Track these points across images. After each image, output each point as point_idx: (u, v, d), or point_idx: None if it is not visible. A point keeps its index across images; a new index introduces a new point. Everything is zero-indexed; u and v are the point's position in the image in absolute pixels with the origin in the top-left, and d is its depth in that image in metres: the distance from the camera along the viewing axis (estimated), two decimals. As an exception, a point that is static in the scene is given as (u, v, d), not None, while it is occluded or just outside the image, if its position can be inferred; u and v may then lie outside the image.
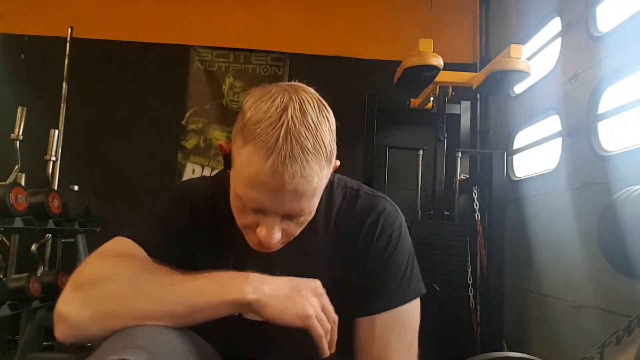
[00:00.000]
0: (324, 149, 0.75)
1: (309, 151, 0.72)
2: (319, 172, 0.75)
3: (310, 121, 0.74)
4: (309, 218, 0.82)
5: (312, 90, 0.82)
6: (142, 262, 0.80)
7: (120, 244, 0.85)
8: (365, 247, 0.90)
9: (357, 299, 0.90)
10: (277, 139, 0.71)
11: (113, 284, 0.74)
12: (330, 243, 0.92)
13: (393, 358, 0.88)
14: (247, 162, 0.73)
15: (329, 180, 0.93)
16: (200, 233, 0.91)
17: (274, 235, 0.77)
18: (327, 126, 0.77)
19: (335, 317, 0.76)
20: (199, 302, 0.72)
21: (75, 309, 0.73)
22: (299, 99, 0.75)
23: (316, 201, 0.80)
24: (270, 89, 0.78)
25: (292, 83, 0.83)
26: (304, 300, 0.73)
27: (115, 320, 0.72)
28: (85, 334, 0.73)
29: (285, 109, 0.73)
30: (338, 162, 0.84)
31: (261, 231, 0.78)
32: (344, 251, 0.91)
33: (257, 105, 0.75)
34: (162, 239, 0.87)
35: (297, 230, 0.82)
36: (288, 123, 0.72)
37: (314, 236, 0.91)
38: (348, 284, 0.90)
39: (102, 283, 0.74)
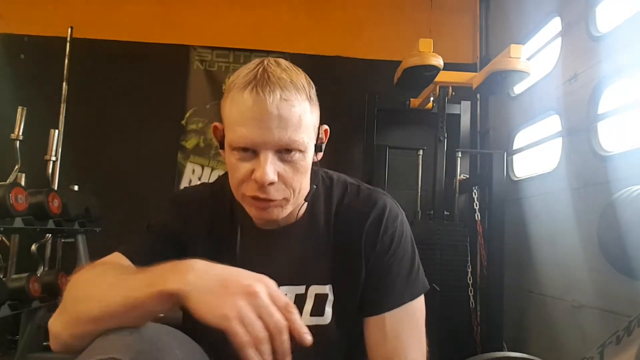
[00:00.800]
0: (300, 84, 0.80)
1: (285, 81, 0.78)
2: (301, 101, 0.79)
3: (285, 66, 0.82)
4: (303, 161, 0.82)
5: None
6: (114, 267, 0.81)
7: (110, 257, 0.87)
8: (369, 243, 0.90)
9: (363, 297, 0.90)
10: (255, 75, 0.78)
11: (78, 291, 0.76)
12: (332, 239, 0.92)
13: (407, 354, 0.89)
14: (231, 104, 0.80)
15: (328, 176, 0.98)
16: (197, 239, 0.91)
17: (267, 169, 0.77)
18: (302, 75, 0.83)
19: (283, 324, 0.63)
20: (130, 299, 0.68)
21: (54, 319, 0.77)
22: (274, 59, 0.84)
23: (305, 138, 0.80)
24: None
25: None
26: (226, 298, 0.63)
27: (76, 325, 0.73)
28: (62, 343, 0.77)
29: (261, 62, 0.82)
30: (326, 127, 0.90)
31: (256, 173, 0.78)
32: (347, 248, 0.91)
33: (236, 71, 0.84)
34: (148, 247, 0.88)
35: (294, 178, 0.82)
36: (264, 66, 0.80)
37: (315, 231, 0.92)
38: (352, 282, 0.90)
39: (71, 291, 0.77)
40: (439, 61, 2.57)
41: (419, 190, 2.91)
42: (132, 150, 3.38)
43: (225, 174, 0.90)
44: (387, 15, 3.60)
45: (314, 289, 0.91)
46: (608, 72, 2.12)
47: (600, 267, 1.94)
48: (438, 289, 2.58)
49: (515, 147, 3.08)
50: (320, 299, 0.91)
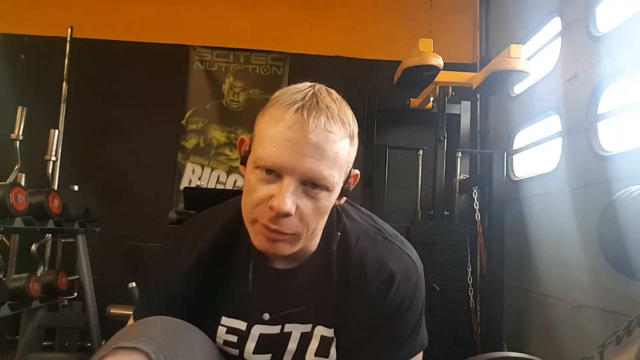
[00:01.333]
0: (347, 120, 0.76)
1: (333, 111, 0.74)
2: (342, 136, 0.75)
3: (335, 97, 0.78)
4: (326, 201, 0.77)
5: None
6: None
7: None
8: (377, 302, 0.86)
9: (363, 347, 0.87)
10: (304, 96, 0.74)
11: None
12: (342, 286, 0.88)
13: None
14: (269, 119, 0.75)
15: (347, 215, 0.91)
16: (205, 282, 0.88)
17: (287, 197, 0.72)
18: (350, 111, 0.79)
19: None
20: None
21: None
22: (327, 87, 0.80)
23: (336, 177, 0.75)
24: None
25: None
26: None
27: None
28: None
29: (312, 86, 0.78)
30: (357, 172, 0.84)
31: (274, 200, 0.72)
32: (355, 299, 0.87)
33: (283, 89, 0.80)
34: (156, 311, 0.84)
35: (312, 216, 0.76)
36: (314, 90, 0.76)
37: (326, 275, 0.88)
38: (356, 331, 0.88)
39: None
40: (439, 61, 2.57)
41: (419, 190, 2.92)
42: (132, 150, 3.38)
43: (240, 198, 0.83)
44: (387, 15, 3.60)
45: (320, 330, 0.89)
46: (608, 72, 2.12)
47: (600, 267, 1.94)
48: (438, 289, 2.58)
49: (515, 147, 3.08)
50: (325, 341, 0.89)
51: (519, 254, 2.79)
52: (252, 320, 0.88)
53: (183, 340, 0.77)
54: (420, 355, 0.90)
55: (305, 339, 0.89)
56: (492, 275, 2.67)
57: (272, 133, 0.73)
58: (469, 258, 2.71)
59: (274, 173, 0.74)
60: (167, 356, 0.71)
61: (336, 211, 0.90)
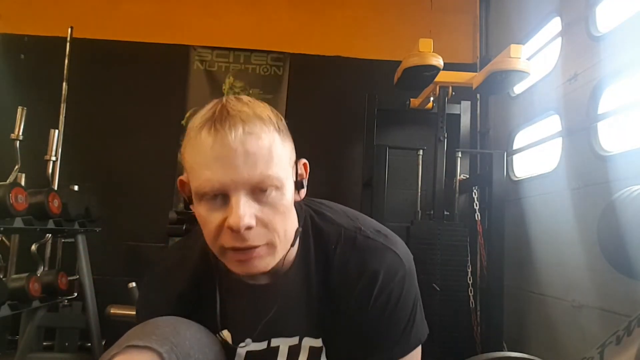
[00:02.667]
0: (266, 116, 0.74)
1: (247, 113, 0.72)
2: (268, 132, 0.72)
3: (246, 100, 0.75)
4: (281, 199, 0.74)
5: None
6: None
7: None
8: (361, 303, 0.82)
9: (355, 351, 0.85)
10: (214, 112, 0.72)
11: None
12: (324, 294, 0.85)
13: None
14: (191, 149, 0.73)
15: (321, 217, 0.88)
16: (191, 308, 0.87)
17: (241, 211, 0.69)
18: (268, 108, 0.77)
19: None
20: None
21: None
22: (235, 96, 0.77)
23: (280, 172, 0.72)
24: None
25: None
26: None
27: None
28: None
29: (219, 100, 0.75)
30: (305, 161, 0.81)
31: (229, 219, 0.70)
32: (340, 304, 0.84)
33: (195, 115, 0.77)
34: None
35: (275, 219, 0.74)
36: (222, 103, 0.74)
37: (307, 284, 0.85)
38: (345, 338, 0.85)
39: None
40: (439, 61, 2.57)
41: (419, 190, 2.92)
42: (132, 150, 3.38)
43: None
44: (387, 15, 3.60)
45: (308, 341, 0.87)
46: (608, 72, 2.12)
47: (600, 267, 1.94)
48: (438, 289, 2.58)
49: (515, 147, 3.08)
50: (315, 351, 0.87)
51: (519, 254, 2.79)
52: (236, 341, 0.87)
53: (194, 340, 0.77)
54: (417, 350, 0.86)
55: (294, 352, 0.87)
56: (492, 275, 2.67)
57: (200, 159, 0.71)
58: (469, 258, 2.71)
59: (219, 196, 0.72)
60: (179, 355, 0.71)
61: (309, 217, 0.87)
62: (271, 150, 0.71)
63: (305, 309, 0.85)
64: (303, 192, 0.82)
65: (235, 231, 0.70)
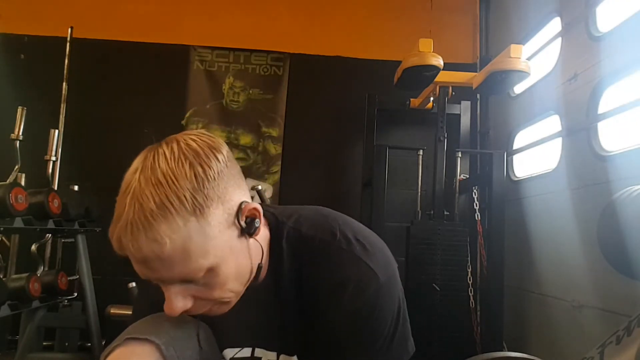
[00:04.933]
0: (177, 202, 0.65)
1: (152, 213, 0.65)
2: (177, 230, 0.65)
3: (161, 176, 0.67)
4: (217, 276, 0.71)
5: (191, 137, 0.73)
6: None
7: None
8: (330, 317, 0.79)
9: None
10: (124, 207, 0.67)
11: None
12: (299, 308, 0.83)
13: None
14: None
15: (297, 225, 0.84)
16: None
17: (173, 305, 0.70)
18: (187, 175, 0.67)
19: None
20: None
21: None
22: (156, 154, 0.70)
23: (204, 261, 0.68)
24: (147, 148, 0.74)
25: (183, 133, 0.75)
26: None
27: None
28: None
29: (135, 171, 0.70)
30: (247, 206, 0.74)
31: (165, 306, 0.71)
32: (314, 319, 0.82)
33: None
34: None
35: (212, 292, 0.73)
36: (134, 187, 0.68)
37: (281, 297, 0.83)
38: (319, 355, 0.83)
39: None
40: (439, 61, 2.57)
41: (419, 190, 2.92)
42: (133, 150, 3.34)
43: None
44: (387, 15, 3.60)
45: (284, 358, 0.86)
46: (608, 72, 2.12)
47: (600, 267, 1.94)
48: (438, 289, 2.58)
49: (515, 147, 3.08)
50: None
51: (519, 254, 2.79)
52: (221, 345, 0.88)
53: (193, 334, 0.79)
54: None
55: None
56: (492, 275, 2.67)
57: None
58: (469, 258, 2.71)
59: None
60: (177, 349, 0.75)
61: (284, 229, 0.83)
62: (185, 248, 0.66)
63: (280, 323, 0.84)
64: (258, 235, 0.77)
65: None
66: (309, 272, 0.81)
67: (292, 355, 0.85)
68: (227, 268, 0.72)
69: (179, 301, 0.70)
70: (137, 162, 0.71)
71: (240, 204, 0.73)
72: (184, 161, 0.68)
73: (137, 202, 0.66)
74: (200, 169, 0.68)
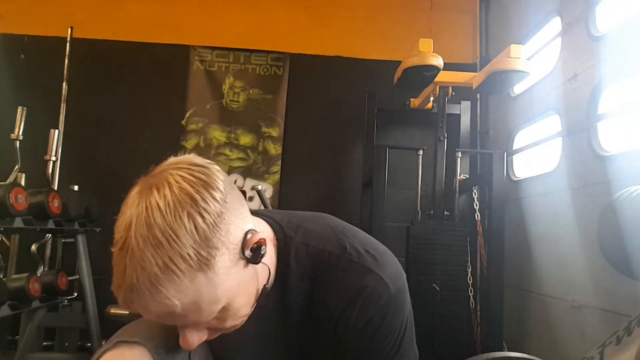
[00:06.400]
0: (182, 263, 0.63)
1: (158, 278, 0.62)
2: (184, 289, 0.64)
3: (159, 235, 0.63)
4: (228, 312, 0.71)
5: (182, 174, 0.69)
6: None
7: None
8: (339, 329, 0.79)
9: None
10: (124, 268, 0.64)
11: None
12: (308, 320, 0.82)
13: None
14: None
15: (305, 239, 0.82)
16: None
17: (188, 341, 0.71)
18: (187, 229, 0.64)
19: None
20: None
21: None
22: (146, 206, 0.65)
23: (216, 306, 0.68)
24: (133, 190, 0.71)
25: (164, 169, 0.72)
26: None
27: None
28: None
29: (129, 227, 0.66)
30: (254, 237, 0.71)
31: (180, 340, 0.72)
32: (322, 332, 0.81)
33: (118, 219, 0.70)
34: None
35: (230, 323, 0.74)
36: (132, 247, 0.64)
37: (288, 311, 0.82)
38: None
39: None
40: (439, 61, 2.57)
41: (419, 190, 2.92)
42: (132, 150, 3.38)
43: None
44: (387, 15, 3.60)
45: None
46: (608, 72, 2.12)
47: (600, 267, 1.94)
48: (438, 289, 2.58)
49: (515, 147, 3.08)
50: None
51: (519, 254, 2.79)
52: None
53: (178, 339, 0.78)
54: None
55: None
56: (492, 275, 2.67)
57: None
58: (469, 258, 2.71)
59: None
60: (167, 351, 0.75)
61: (291, 243, 0.82)
62: (197, 302, 0.66)
63: (284, 336, 0.84)
64: (265, 258, 0.75)
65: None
66: (319, 286, 0.80)
67: None
68: (239, 301, 0.72)
69: (194, 337, 0.71)
70: (129, 213, 0.67)
71: (245, 234, 0.70)
72: (181, 213, 0.64)
73: (139, 266, 0.63)
74: (199, 219, 0.64)
